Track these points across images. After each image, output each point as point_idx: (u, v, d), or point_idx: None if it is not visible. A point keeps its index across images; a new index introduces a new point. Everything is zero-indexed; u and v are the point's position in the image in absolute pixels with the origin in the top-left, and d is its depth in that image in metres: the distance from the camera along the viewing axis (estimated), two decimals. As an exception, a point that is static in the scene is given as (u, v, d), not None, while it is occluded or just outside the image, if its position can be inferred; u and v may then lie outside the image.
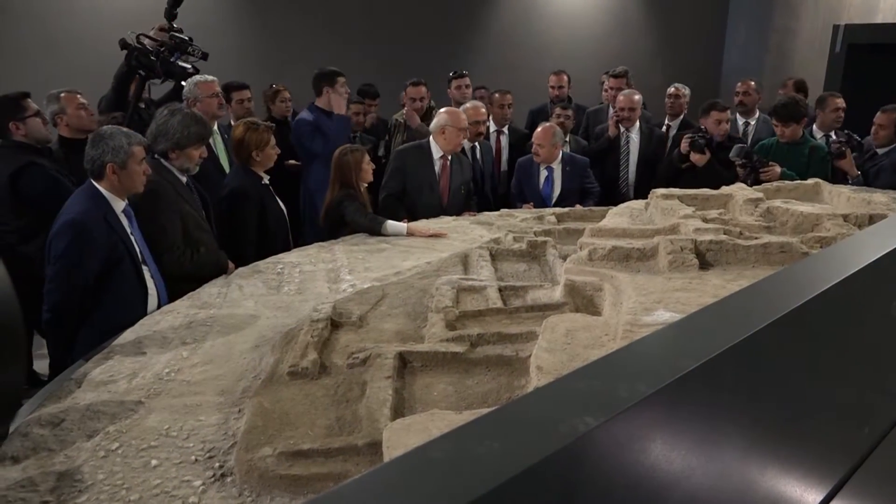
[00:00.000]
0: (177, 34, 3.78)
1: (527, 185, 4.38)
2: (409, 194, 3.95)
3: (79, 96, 3.76)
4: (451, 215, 3.85)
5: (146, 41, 3.70)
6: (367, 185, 3.67)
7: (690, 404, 0.86)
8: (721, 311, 1.06)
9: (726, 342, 0.90)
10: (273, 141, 3.43)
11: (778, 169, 4.05)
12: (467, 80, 5.47)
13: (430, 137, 4.01)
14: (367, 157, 3.63)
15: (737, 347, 0.90)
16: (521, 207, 4.19)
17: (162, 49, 3.68)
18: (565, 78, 5.85)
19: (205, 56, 3.86)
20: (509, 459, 0.61)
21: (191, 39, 3.89)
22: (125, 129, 2.66)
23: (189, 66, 3.79)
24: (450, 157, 4.01)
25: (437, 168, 4.00)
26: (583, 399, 0.74)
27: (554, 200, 4.29)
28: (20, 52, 5.88)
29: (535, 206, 4.15)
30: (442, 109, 4.07)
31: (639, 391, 0.76)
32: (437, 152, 3.98)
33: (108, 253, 2.55)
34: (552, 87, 5.83)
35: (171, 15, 3.77)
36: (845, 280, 1.17)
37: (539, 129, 4.30)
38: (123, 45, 3.67)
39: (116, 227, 2.59)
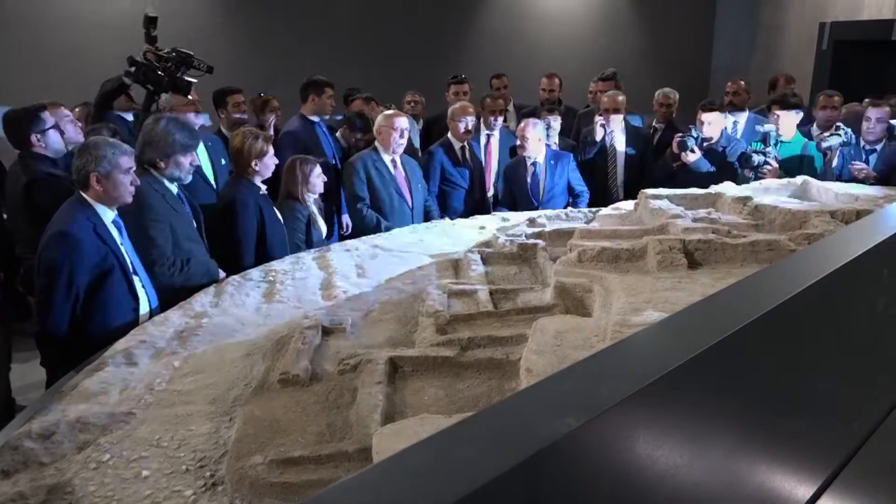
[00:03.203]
0: (181, 49, 3.83)
1: (515, 187, 4.44)
2: (376, 200, 4.02)
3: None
4: (419, 215, 3.95)
5: (152, 57, 3.75)
6: (316, 196, 3.74)
7: (675, 403, 0.86)
8: (704, 309, 1.07)
9: (709, 340, 0.90)
10: (272, 151, 3.45)
11: (777, 170, 4.09)
12: (466, 87, 5.46)
13: (376, 143, 4.09)
14: (317, 170, 3.67)
15: (720, 345, 0.90)
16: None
17: (168, 64, 3.73)
18: (556, 81, 5.86)
19: (210, 69, 3.91)
20: (491, 462, 0.61)
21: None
22: (111, 140, 2.66)
23: (195, 80, 3.85)
24: (399, 159, 4.11)
25: (391, 170, 4.08)
26: (565, 400, 0.75)
27: (542, 195, 4.36)
28: (10, 61, 5.87)
29: (525, 207, 4.19)
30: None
31: (621, 391, 0.76)
32: (386, 156, 4.07)
33: (98, 263, 2.54)
34: (543, 90, 5.85)
35: (150, 39, 3.80)
36: (828, 276, 1.18)
37: (522, 123, 4.42)
38: (132, 61, 3.74)
39: (106, 238, 2.59)
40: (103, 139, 2.64)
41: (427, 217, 4.19)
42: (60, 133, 3.56)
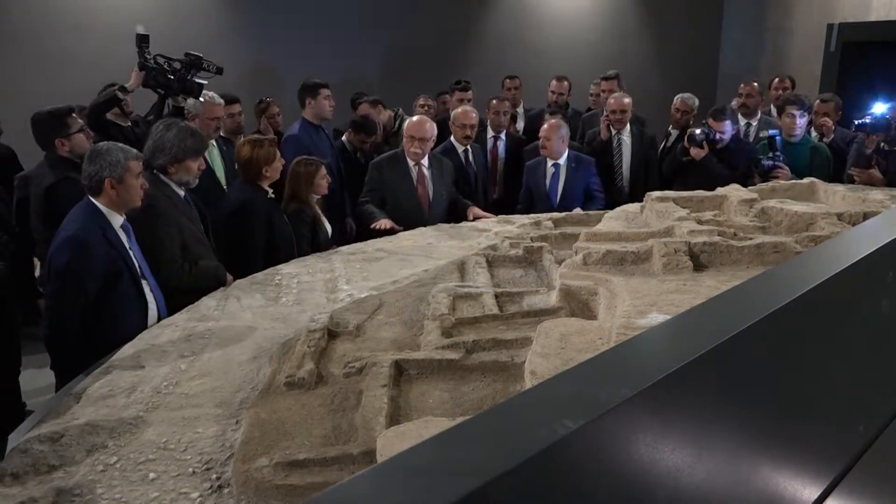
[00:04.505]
0: (191, 52, 3.87)
1: (535, 187, 4.45)
2: (389, 205, 4.00)
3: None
4: (434, 223, 3.85)
5: (162, 60, 3.79)
6: (319, 197, 3.75)
7: (676, 405, 0.86)
8: (708, 311, 1.07)
9: (712, 342, 0.90)
10: (279, 154, 3.49)
11: (788, 173, 4.08)
12: (469, 94, 5.45)
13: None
14: (321, 171, 3.69)
15: (721, 348, 0.90)
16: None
17: (178, 67, 3.77)
18: (566, 84, 5.88)
19: (220, 71, 3.95)
20: (488, 463, 0.62)
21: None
22: (121, 145, 2.69)
23: (205, 81, 3.89)
24: (426, 164, 4.06)
25: (413, 176, 4.04)
26: (564, 402, 0.75)
27: (559, 196, 4.36)
28: (15, 70, 5.93)
29: (542, 207, 4.19)
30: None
31: (620, 393, 0.76)
32: (411, 160, 4.05)
33: (107, 268, 2.56)
34: (552, 93, 5.85)
35: (144, 57, 3.83)
36: (833, 278, 1.18)
37: (546, 124, 4.42)
38: (142, 66, 3.77)
39: (115, 243, 2.61)
40: (114, 144, 2.67)
41: (457, 208, 4.15)
42: (87, 136, 3.62)
